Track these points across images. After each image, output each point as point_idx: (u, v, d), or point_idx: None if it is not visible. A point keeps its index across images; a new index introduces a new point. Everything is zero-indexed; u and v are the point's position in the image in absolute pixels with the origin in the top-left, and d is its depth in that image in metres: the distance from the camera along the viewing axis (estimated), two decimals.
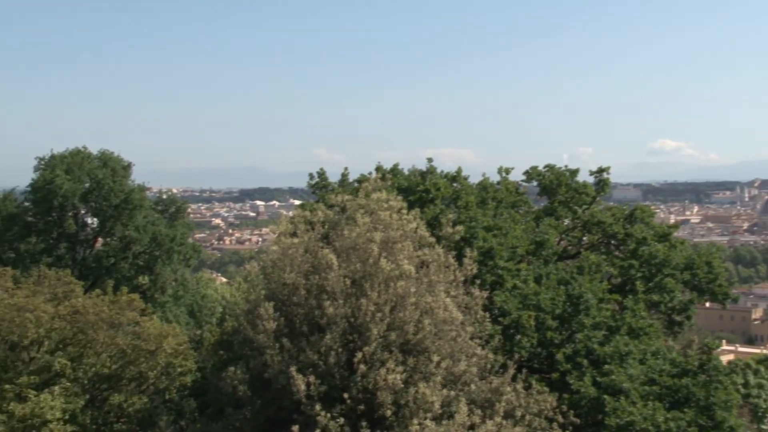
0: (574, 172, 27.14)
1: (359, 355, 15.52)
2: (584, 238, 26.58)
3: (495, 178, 26.64)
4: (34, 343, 21.21)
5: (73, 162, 36.80)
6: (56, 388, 19.58)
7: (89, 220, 38.70)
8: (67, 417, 19.07)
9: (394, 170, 25.31)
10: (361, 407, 15.35)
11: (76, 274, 30.12)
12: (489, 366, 17.22)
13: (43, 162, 37.03)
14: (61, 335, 21.54)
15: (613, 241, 26.02)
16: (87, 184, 36.95)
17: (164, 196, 43.30)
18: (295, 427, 14.66)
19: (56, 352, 21.39)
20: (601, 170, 27.51)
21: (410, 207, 19.39)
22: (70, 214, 36.85)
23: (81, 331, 21.40)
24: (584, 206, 26.85)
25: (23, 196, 37.82)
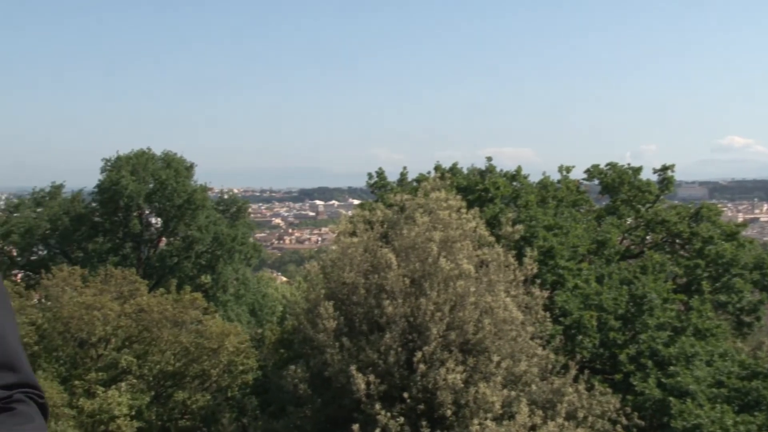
0: (637, 170, 26.60)
1: (419, 354, 15.49)
2: (648, 237, 26.07)
3: (555, 176, 26.31)
4: (101, 341, 21.73)
5: (138, 163, 37.59)
6: (123, 384, 20.04)
7: (153, 220, 39.46)
8: (133, 413, 19.49)
9: (453, 169, 25.21)
10: (421, 407, 15.32)
11: (140, 273, 30.76)
12: (550, 366, 17.02)
13: (109, 163, 37.88)
14: (127, 333, 22.02)
15: (678, 240, 25.45)
16: (151, 185, 37.69)
17: (225, 196, 43.88)
18: (356, 426, 14.71)
19: (123, 349, 21.87)
20: (665, 168, 26.91)
21: (469, 206, 19.28)
22: (135, 214, 37.64)
23: (146, 329, 21.86)
24: (647, 205, 26.31)
25: (91, 196, 38.74)
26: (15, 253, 37.37)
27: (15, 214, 38.82)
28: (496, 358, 15.77)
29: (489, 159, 25.55)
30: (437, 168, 24.98)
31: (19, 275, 36.74)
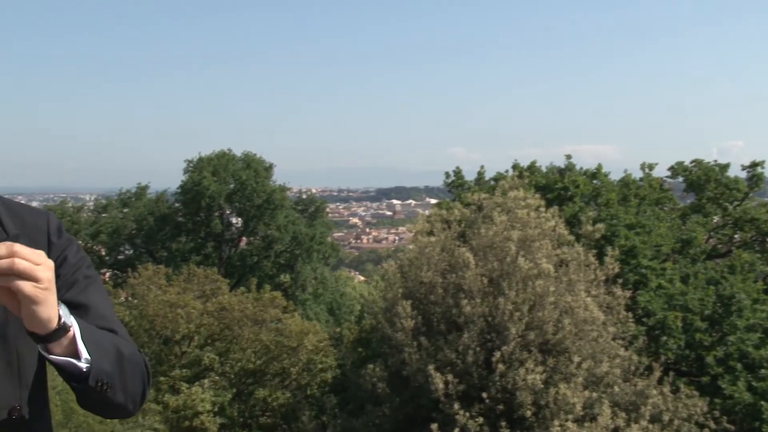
0: (725, 167, 25.71)
1: (497, 354, 15.34)
2: (736, 236, 25.18)
3: (638, 174, 25.67)
4: (185, 338, 22.25)
5: (219, 164, 38.37)
6: (206, 381, 20.46)
7: (234, 220, 40.24)
8: (216, 409, 19.88)
9: (532, 168, 24.88)
10: (500, 407, 15.16)
11: (222, 272, 31.39)
12: (633, 368, 16.60)
13: (191, 165, 38.81)
14: (210, 331, 22.48)
15: None
16: (232, 185, 38.43)
17: (304, 196, 44.40)
18: (434, 426, 14.66)
19: (205, 346, 22.34)
20: (754, 164, 25.92)
21: (548, 205, 18.98)
22: (216, 214, 38.45)
23: (227, 327, 22.27)
24: (735, 203, 25.42)
25: (174, 197, 39.73)
26: (103, 253, 38.62)
27: (103, 215, 40.18)
28: (576, 359, 15.48)
29: (568, 157, 25.12)
30: (515, 166, 24.70)
31: (108, 274, 37.96)
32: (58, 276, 1.74)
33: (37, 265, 1.49)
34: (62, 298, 1.73)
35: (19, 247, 1.47)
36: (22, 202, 1.91)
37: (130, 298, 25.26)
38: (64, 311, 1.58)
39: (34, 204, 2.04)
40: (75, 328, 1.60)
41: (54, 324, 1.54)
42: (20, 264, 1.46)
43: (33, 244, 1.75)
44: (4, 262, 1.45)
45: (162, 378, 20.60)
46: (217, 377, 21.03)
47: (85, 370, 1.60)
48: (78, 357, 1.60)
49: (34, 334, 1.55)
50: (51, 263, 1.53)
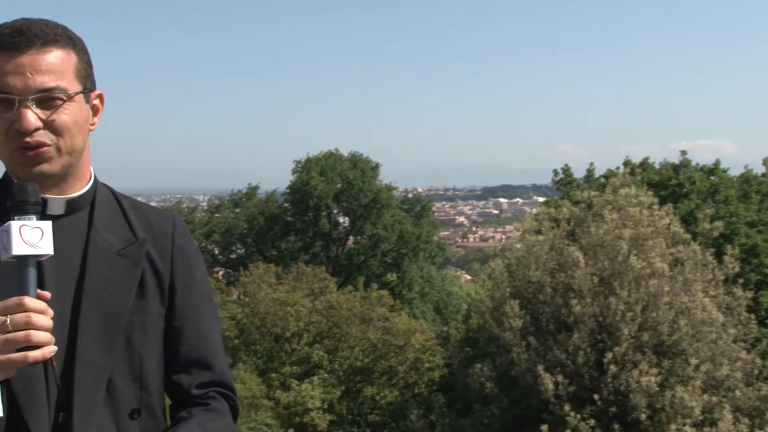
0: None
1: (609, 355, 14.94)
2: None
3: (759, 169, 24.49)
4: (294, 336, 22.67)
5: (327, 164, 38.92)
6: (315, 378, 20.78)
7: (341, 219, 40.73)
8: (325, 406, 20.16)
9: (644, 164, 24.14)
10: (613, 409, 14.76)
11: (329, 271, 31.84)
12: (756, 371, 15.85)
13: (299, 165, 39.53)
14: (318, 329, 22.82)
15: None
16: (339, 185, 38.91)
17: (410, 195, 44.49)
18: (544, 427, 14.42)
19: (314, 344, 22.69)
20: None
21: (662, 202, 18.36)
22: (324, 213, 39.02)
23: (335, 325, 22.56)
24: None
25: (283, 197, 40.55)
26: (216, 252, 39.83)
27: (216, 215, 41.46)
28: (694, 361, 14.91)
29: (683, 153, 24.24)
30: (627, 163, 24.02)
31: (220, 272, 39.11)
32: (174, 289, 1.80)
33: None
34: (180, 321, 1.81)
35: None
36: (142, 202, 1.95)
37: (242, 296, 25.95)
38: None
39: (152, 204, 2.08)
40: None
41: None
42: None
43: (158, 248, 1.81)
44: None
45: (273, 375, 21.05)
46: (326, 375, 21.32)
47: None
48: None
49: None
50: None
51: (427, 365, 22.01)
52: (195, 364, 1.82)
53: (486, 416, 16.61)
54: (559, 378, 14.98)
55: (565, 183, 25.61)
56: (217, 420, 1.80)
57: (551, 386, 14.91)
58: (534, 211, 21.78)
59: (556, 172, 25.89)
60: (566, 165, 26.19)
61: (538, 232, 17.47)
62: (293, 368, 21.29)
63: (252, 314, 22.64)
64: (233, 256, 40.32)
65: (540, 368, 15.13)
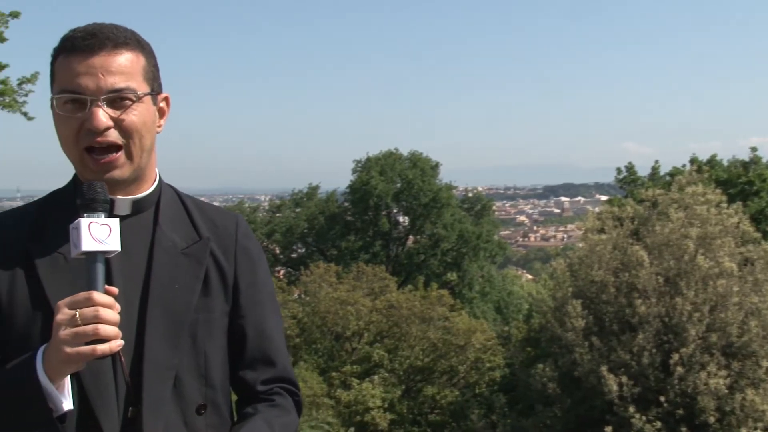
0: None
1: (675, 356, 14.62)
2: None
3: None
4: (355, 335, 22.77)
5: (386, 164, 38.98)
6: (376, 377, 20.83)
7: (401, 219, 40.75)
8: (386, 405, 20.20)
9: (712, 161, 23.60)
10: (680, 411, 14.45)
11: (389, 270, 31.88)
12: None
13: (359, 165, 39.69)
14: (379, 328, 22.87)
15: None
16: (398, 185, 38.94)
17: (470, 195, 44.29)
18: (608, 428, 14.20)
19: (374, 343, 22.75)
20: None
21: (731, 200, 17.89)
22: (383, 213, 39.09)
23: (395, 324, 22.57)
24: None
25: (343, 196, 40.78)
26: (278, 251, 40.25)
27: (277, 215, 41.91)
28: (765, 364, 14.49)
29: (753, 149, 23.61)
30: (693, 160, 23.53)
31: (282, 272, 39.52)
32: (238, 288, 1.83)
33: None
34: (244, 319, 1.83)
35: None
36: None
37: (302, 295, 26.16)
38: None
39: (215, 204, 2.11)
40: None
41: None
42: None
43: (221, 246, 1.83)
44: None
45: (334, 373, 21.17)
46: (386, 374, 21.36)
47: None
48: None
49: None
50: None
51: (487, 365, 21.87)
52: (259, 361, 1.85)
53: (548, 417, 16.44)
54: (624, 379, 14.74)
55: (629, 181, 25.23)
56: (282, 416, 1.82)
57: (615, 387, 14.68)
58: (597, 209, 21.49)
59: (619, 170, 25.57)
60: (630, 163, 25.83)
61: (601, 231, 17.22)
62: (354, 367, 21.38)
63: (313, 313, 22.81)
64: (294, 255, 40.69)
65: (603, 369, 14.91)
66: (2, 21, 17.28)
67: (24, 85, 17.43)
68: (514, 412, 18.57)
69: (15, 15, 17.58)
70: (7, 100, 17.11)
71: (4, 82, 17.16)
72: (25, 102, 17.47)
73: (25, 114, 17.57)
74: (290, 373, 1.91)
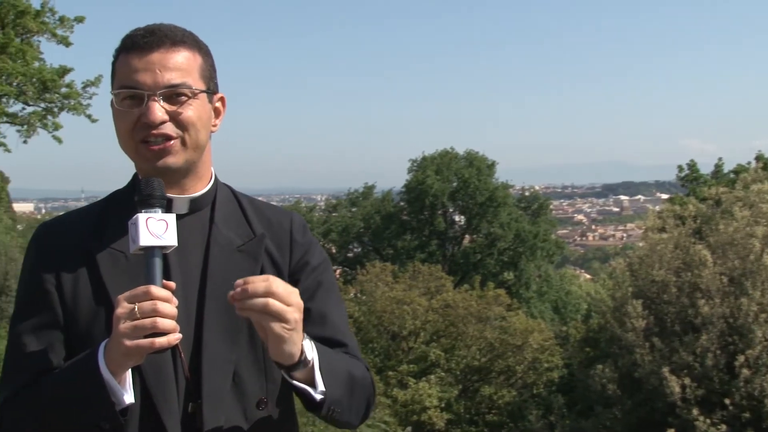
0: None
1: (741, 358, 14.25)
2: None
3: None
4: (411, 334, 22.77)
5: (442, 163, 38.92)
6: (432, 377, 20.80)
7: (457, 218, 40.64)
8: (443, 405, 20.16)
9: None
10: (746, 415, 14.09)
11: (445, 270, 31.78)
12: None
13: (415, 164, 39.71)
14: (435, 327, 22.84)
15: None
16: (454, 184, 38.84)
17: (527, 194, 43.97)
18: (671, 431, 13.93)
19: (431, 343, 22.72)
20: None
21: None
22: (439, 212, 39.04)
23: (452, 324, 22.51)
24: None
25: (399, 196, 40.84)
26: (334, 250, 40.49)
27: (333, 214, 42.19)
28: None
29: None
30: (759, 158, 22.87)
31: (338, 271, 39.74)
32: (297, 281, 1.82)
33: (288, 306, 1.56)
34: (304, 311, 1.82)
35: (275, 286, 1.56)
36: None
37: (359, 294, 26.26)
38: (307, 346, 1.66)
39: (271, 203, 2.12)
40: (315, 361, 1.66)
41: (296, 358, 1.63)
42: (273, 305, 1.55)
43: (277, 243, 1.85)
44: (260, 302, 1.54)
45: (390, 373, 21.20)
46: (443, 373, 21.32)
47: (318, 400, 1.67)
48: (314, 386, 1.67)
49: (277, 362, 1.64)
50: (301, 304, 1.61)
51: (545, 365, 21.66)
52: (326, 343, 1.82)
53: (608, 419, 16.21)
54: (686, 381, 14.45)
55: (690, 179, 24.72)
56: (362, 368, 1.86)
57: (678, 389, 14.40)
58: (657, 208, 21.09)
59: (681, 168, 25.06)
60: (692, 160, 25.29)
61: (662, 230, 16.93)
62: (410, 366, 21.39)
63: (369, 312, 22.88)
64: (350, 254, 40.90)
65: (665, 370, 14.63)
66: (68, 26, 17.76)
67: (88, 88, 17.90)
68: (573, 413, 18.37)
69: (80, 20, 18.04)
70: (73, 103, 17.60)
71: (69, 85, 17.66)
72: (89, 105, 17.94)
73: (89, 116, 18.05)
74: (359, 354, 1.92)
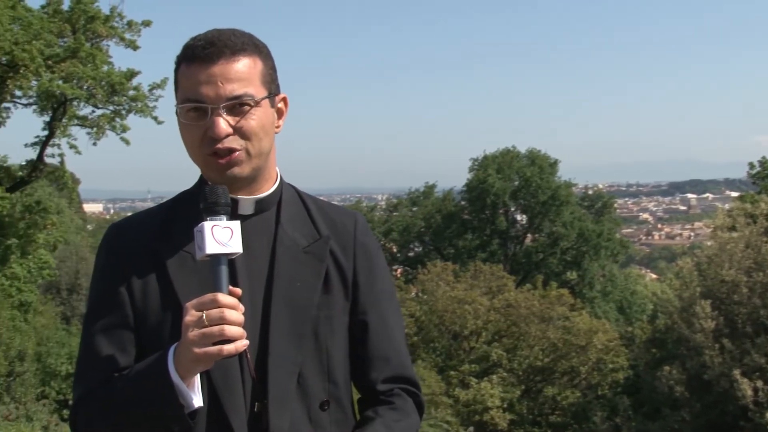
0: None
1: None
2: None
3: None
4: (473, 334, 22.67)
5: (503, 161, 38.67)
6: (494, 377, 20.68)
7: (519, 217, 40.32)
8: (505, 405, 20.02)
9: None
10: None
11: (507, 269, 31.56)
12: None
13: (476, 163, 39.52)
14: (496, 327, 22.70)
15: None
16: (516, 183, 38.55)
17: (590, 192, 43.37)
18: None
19: (492, 342, 22.59)
20: None
21: None
22: (501, 211, 38.79)
23: (514, 323, 22.35)
24: None
25: (460, 195, 40.70)
26: (395, 250, 40.57)
27: (394, 214, 42.26)
28: None
29: None
30: None
31: (399, 270, 39.79)
32: (357, 284, 1.84)
33: None
34: (364, 316, 1.84)
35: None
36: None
37: (420, 294, 26.25)
38: None
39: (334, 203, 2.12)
40: None
41: None
42: None
43: (341, 244, 1.85)
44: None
45: (452, 372, 21.16)
46: (505, 373, 21.18)
47: None
48: None
49: None
50: None
51: (610, 366, 21.32)
52: (379, 359, 1.85)
53: (676, 421, 15.89)
54: (759, 384, 14.07)
55: (762, 176, 24.05)
56: (402, 419, 1.81)
57: (750, 392, 14.03)
58: (727, 206, 20.60)
59: (752, 165, 24.40)
60: (764, 157, 24.60)
61: (732, 228, 16.53)
62: (472, 366, 21.31)
63: (430, 312, 22.86)
64: (411, 254, 40.91)
65: (736, 373, 14.27)
66: (136, 30, 18.17)
67: (154, 91, 18.28)
68: (639, 415, 18.07)
69: (147, 24, 18.45)
70: (140, 105, 17.99)
71: (136, 88, 18.05)
72: (155, 107, 18.32)
73: (155, 118, 18.42)
74: (411, 371, 1.91)
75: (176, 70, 1.75)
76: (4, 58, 16.05)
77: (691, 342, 15.67)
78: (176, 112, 1.75)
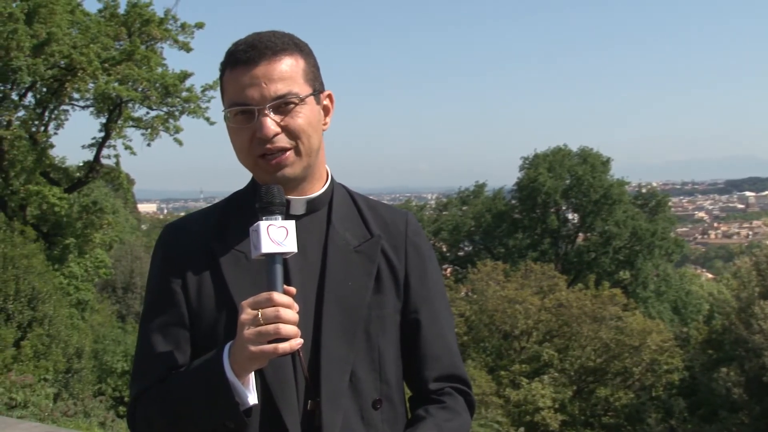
0: None
1: None
2: None
3: None
4: (523, 334, 22.52)
5: (555, 160, 38.34)
6: (545, 377, 20.51)
7: (570, 216, 39.92)
8: (556, 406, 19.84)
9: None
10: None
11: (558, 269, 31.27)
12: None
13: (527, 162, 39.24)
14: (548, 327, 22.51)
15: None
16: (567, 181, 38.18)
17: (644, 191, 42.75)
18: None
19: (543, 342, 22.41)
20: None
21: None
22: (552, 210, 38.44)
23: (565, 323, 22.13)
24: None
25: (510, 194, 40.46)
26: (444, 249, 40.50)
27: (444, 213, 42.23)
28: None
29: None
30: None
31: (449, 270, 39.73)
32: (409, 284, 1.84)
33: None
34: (415, 315, 1.84)
35: None
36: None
37: (470, 293, 26.16)
38: None
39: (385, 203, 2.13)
40: None
41: None
42: None
43: (392, 244, 1.86)
44: None
45: (503, 372, 21.04)
46: (556, 374, 20.99)
47: None
48: None
49: None
50: None
51: (665, 367, 20.96)
52: (431, 358, 1.85)
53: (734, 424, 15.58)
54: None
55: None
56: (453, 419, 1.81)
57: None
58: None
59: None
60: None
61: None
62: (522, 366, 21.16)
63: (480, 311, 22.77)
64: (461, 253, 40.82)
65: None
66: (189, 32, 18.47)
67: (207, 92, 18.55)
68: (695, 417, 17.76)
69: (200, 26, 18.74)
70: (192, 107, 18.28)
71: (189, 89, 18.35)
72: (207, 108, 18.59)
73: (207, 119, 18.70)
74: (462, 370, 1.91)
75: (221, 77, 1.78)
76: (63, 62, 16.46)
77: (749, 343, 15.36)
78: (224, 118, 1.77)
